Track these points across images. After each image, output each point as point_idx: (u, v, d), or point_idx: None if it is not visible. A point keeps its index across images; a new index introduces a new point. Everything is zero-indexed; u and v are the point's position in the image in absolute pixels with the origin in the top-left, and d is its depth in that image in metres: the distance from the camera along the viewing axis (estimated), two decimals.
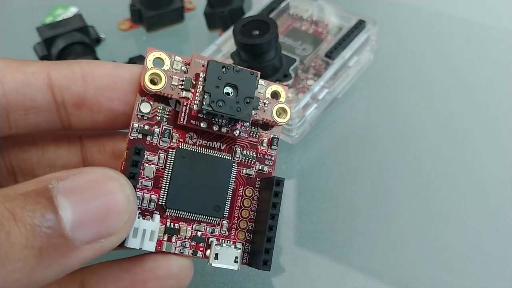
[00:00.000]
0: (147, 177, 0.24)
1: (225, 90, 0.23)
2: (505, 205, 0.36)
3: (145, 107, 0.24)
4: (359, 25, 0.41)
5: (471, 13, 0.50)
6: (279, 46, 0.39)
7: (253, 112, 0.24)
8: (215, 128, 0.24)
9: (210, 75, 0.23)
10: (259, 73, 0.24)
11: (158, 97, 0.24)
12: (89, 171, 0.20)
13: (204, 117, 0.24)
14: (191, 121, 0.24)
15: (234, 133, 0.24)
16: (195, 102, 0.24)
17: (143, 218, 0.23)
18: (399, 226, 0.36)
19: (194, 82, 0.24)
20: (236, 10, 0.46)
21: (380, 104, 0.44)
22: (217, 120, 0.24)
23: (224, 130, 0.24)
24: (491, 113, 0.42)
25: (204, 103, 0.23)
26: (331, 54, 0.40)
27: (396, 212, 0.37)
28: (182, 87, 0.24)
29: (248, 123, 0.25)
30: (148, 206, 0.23)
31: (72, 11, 0.51)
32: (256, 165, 0.25)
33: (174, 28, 0.49)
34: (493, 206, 0.36)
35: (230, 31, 0.40)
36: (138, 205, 0.23)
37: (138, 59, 0.42)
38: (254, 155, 0.25)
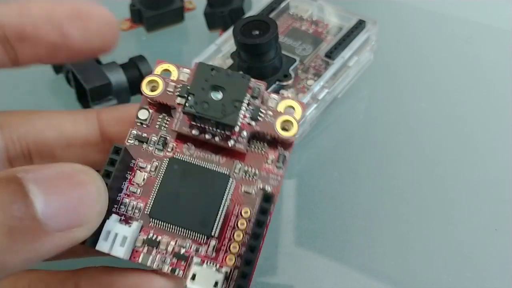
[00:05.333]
0: (136, 183, 0.23)
1: (215, 95, 0.22)
2: (505, 205, 0.36)
3: (143, 114, 0.24)
4: (359, 25, 0.41)
5: (471, 13, 0.50)
6: (279, 46, 0.38)
7: (253, 123, 0.23)
8: (208, 136, 0.23)
9: (197, 76, 0.23)
10: (256, 78, 0.23)
11: (161, 106, 0.24)
12: (59, 165, 0.20)
13: (196, 123, 0.23)
14: (183, 128, 0.23)
15: (229, 143, 0.23)
16: None
17: (126, 225, 0.22)
18: (399, 226, 0.36)
19: None
20: (236, 10, 0.46)
21: (380, 104, 0.44)
22: (208, 127, 0.23)
23: (217, 139, 0.23)
24: (491, 113, 0.42)
25: (187, 104, 0.22)
26: (331, 54, 0.40)
27: (396, 212, 0.37)
28: (178, 94, 0.23)
29: (245, 134, 0.23)
30: (133, 214, 0.23)
31: None
32: (258, 183, 0.23)
33: (174, 28, 0.49)
34: (493, 206, 0.36)
35: (230, 31, 0.40)
36: (123, 211, 0.23)
37: (138, 59, 0.42)
38: (257, 172, 0.23)
